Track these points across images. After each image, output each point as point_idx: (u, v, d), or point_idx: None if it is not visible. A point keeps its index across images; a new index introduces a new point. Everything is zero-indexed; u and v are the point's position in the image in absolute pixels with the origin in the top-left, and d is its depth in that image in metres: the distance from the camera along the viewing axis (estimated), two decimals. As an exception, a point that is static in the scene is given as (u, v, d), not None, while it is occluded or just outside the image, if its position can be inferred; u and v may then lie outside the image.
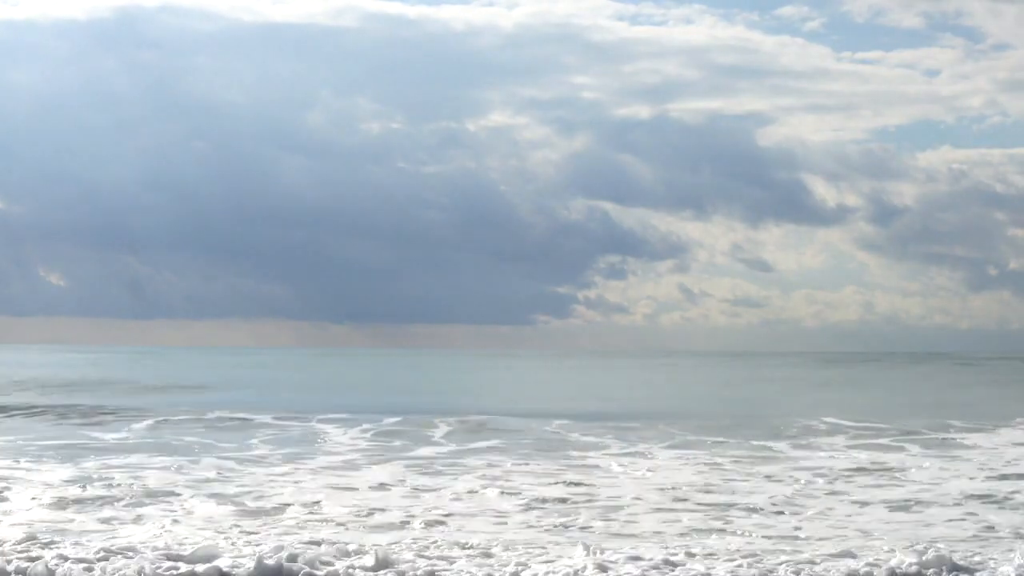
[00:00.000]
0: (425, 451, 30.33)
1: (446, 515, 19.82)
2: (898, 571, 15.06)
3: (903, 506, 21.31)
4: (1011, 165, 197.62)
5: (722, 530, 18.60)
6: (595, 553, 15.68)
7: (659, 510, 20.64)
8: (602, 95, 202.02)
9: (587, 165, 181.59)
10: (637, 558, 15.68)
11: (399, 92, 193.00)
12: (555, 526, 18.90)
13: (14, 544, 16.18)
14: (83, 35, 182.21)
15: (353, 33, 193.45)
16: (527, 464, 27.37)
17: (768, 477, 25.10)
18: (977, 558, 15.76)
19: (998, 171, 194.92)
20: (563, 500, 21.68)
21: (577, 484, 23.81)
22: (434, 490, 22.89)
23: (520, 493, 22.42)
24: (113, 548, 15.87)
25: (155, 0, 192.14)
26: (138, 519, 19.17)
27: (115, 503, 20.68)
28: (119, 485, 22.75)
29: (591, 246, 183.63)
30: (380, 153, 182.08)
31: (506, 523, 19.20)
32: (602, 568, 15.08)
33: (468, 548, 16.58)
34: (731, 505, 21.14)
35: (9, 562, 14.96)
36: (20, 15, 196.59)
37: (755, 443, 32.55)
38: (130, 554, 15.46)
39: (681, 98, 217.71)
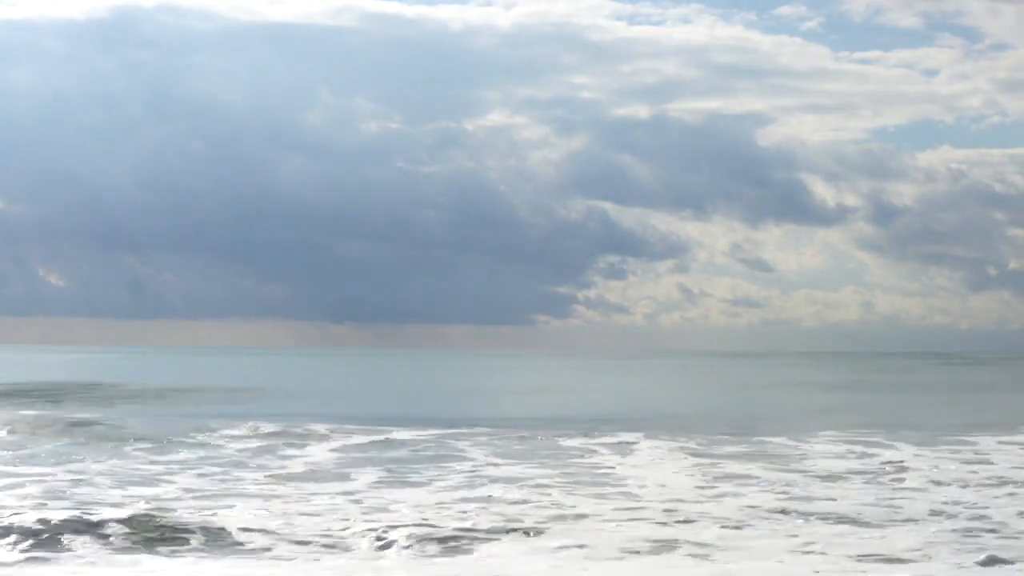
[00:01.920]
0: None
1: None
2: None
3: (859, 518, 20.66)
4: (1010, 165, 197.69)
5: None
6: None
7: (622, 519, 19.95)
8: (601, 95, 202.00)
9: (586, 165, 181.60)
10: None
11: (397, 92, 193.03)
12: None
13: None
14: (81, 35, 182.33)
15: (352, 33, 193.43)
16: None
17: (755, 484, 24.47)
18: None
19: (997, 171, 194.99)
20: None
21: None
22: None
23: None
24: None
25: (153, 0, 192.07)
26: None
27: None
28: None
29: (591, 246, 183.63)
30: (379, 153, 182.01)
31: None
32: None
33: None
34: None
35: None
36: (18, 15, 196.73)
37: (749, 450, 31.92)
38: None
39: (680, 98, 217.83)
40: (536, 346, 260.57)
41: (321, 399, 60.78)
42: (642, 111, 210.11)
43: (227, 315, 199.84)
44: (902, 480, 24.51)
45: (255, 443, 31.70)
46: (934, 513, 19.92)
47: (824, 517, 19.41)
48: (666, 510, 19.99)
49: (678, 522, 18.81)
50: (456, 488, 22.88)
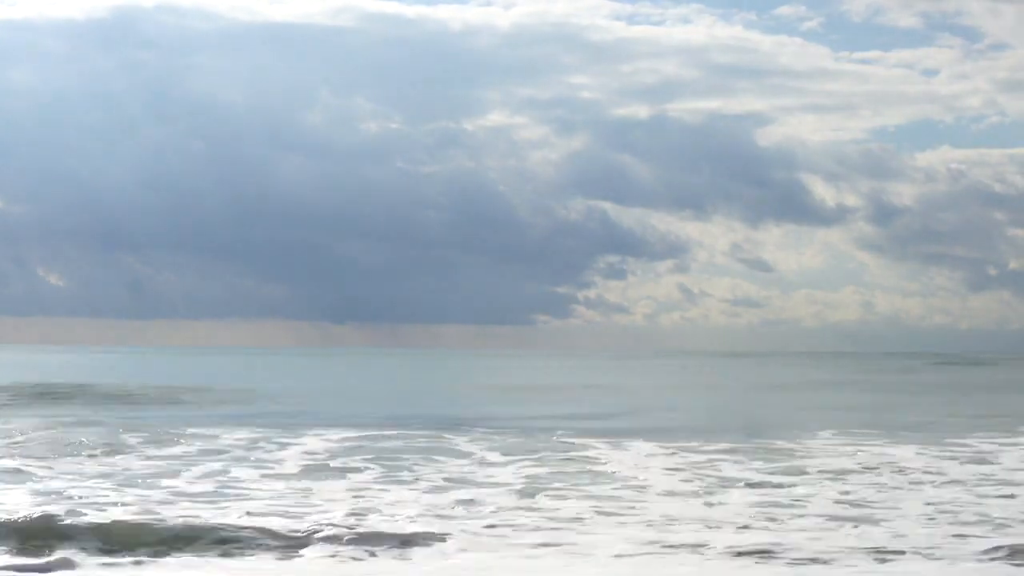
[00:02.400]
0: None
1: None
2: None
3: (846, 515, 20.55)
4: (1010, 165, 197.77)
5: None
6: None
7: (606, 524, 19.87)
8: (600, 95, 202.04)
9: (586, 165, 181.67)
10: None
11: (397, 92, 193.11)
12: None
13: None
14: (81, 35, 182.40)
15: (351, 33, 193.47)
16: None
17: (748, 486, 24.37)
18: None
19: (997, 171, 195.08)
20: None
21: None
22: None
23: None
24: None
25: (153, 0, 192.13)
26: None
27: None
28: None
29: (590, 246, 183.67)
30: (379, 153, 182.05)
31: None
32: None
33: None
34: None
35: None
36: (18, 15, 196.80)
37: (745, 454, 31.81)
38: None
39: (680, 98, 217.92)
40: (536, 346, 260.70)
41: (320, 399, 60.64)
42: (642, 111, 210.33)
43: (227, 315, 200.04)
44: (902, 480, 24.41)
45: (252, 442, 31.57)
46: (933, 513, 19.82)
47: (824, 516, 19.32)
48: (662, 510, 19.89)
49: (675, 523, 18.71)
50: (449, 487, 22.79)
